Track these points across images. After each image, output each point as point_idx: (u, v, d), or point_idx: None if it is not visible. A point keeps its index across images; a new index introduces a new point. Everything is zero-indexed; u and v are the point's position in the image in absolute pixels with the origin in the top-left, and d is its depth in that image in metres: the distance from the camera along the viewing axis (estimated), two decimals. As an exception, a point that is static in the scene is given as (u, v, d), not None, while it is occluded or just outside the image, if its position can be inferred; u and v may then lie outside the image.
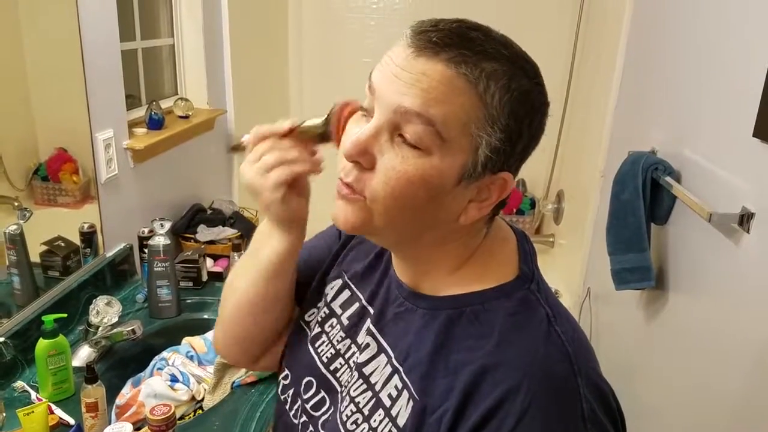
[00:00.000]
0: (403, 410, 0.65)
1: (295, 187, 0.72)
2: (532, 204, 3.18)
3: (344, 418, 0.70)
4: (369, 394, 0.69)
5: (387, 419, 0.66)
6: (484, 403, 0.59)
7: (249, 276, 0.79)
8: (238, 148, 0.81)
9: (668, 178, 1.56)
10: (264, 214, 0.76)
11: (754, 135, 1.22)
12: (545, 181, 3.09)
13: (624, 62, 2.13)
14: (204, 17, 2.21)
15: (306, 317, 0.84)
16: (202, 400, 1.35)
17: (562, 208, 3.00)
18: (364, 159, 0.60)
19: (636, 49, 2.06)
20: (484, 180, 0.61)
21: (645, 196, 1.63)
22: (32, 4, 1.41)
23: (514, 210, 3.13)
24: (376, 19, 3.12)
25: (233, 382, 1.31)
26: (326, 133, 0.70)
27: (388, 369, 0.69)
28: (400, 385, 0.67)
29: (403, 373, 0.67)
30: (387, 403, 0.67)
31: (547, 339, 0.62)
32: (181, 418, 1.30)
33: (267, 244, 0.77)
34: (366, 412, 0.69)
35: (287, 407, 0.80)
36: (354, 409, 0.70)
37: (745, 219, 1.24)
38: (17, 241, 1.39)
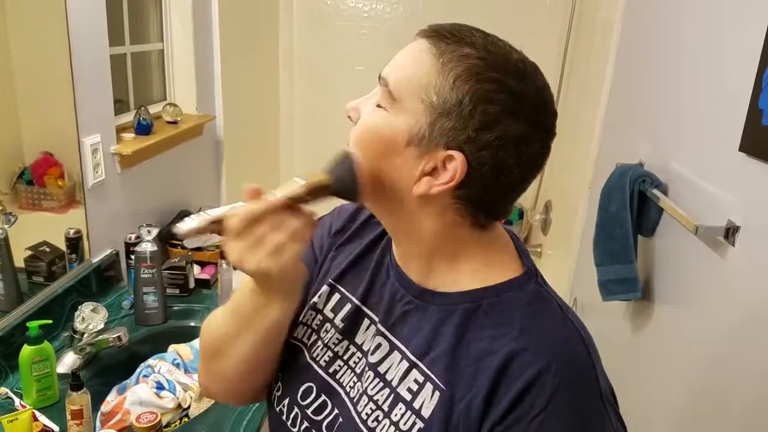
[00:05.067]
0: (428, 401, 0.67)
1: None
2: (521, 214, 3.20)
3: (364, 417, 0.71)
4: (387, 391, 0.71)
5: (410, 412, 0.68)
6: (515, 385, 0.62)
7: (246, 342, 0.75)
8: (185, 236, 0.67)
9: (655, 191, 1.58)
10: (275, 293, 0.71)
11: (740, 149, 1.24)
12: (533, 192, 3.11)
13: (613, 75, 2.15)
14: (194, 23, 2.20)
15: (294, 335, 0.83)
16: (189, 408, 1.34)
17: (550, 219, 3.01)
18: (353, 113, 0.70)
19: (625, 62, 2.09)
20: (437, 154, 0.63)
21: (632, 208, 1.64)
22: (20, 7, 1.40)
23: (503, 220, 3.15)
24: (367, 27, 3.13)
25: (220, 391, 1.30)
26: (344, 190, 0.65)
27: (404, 364, 0.71)
28: (421, 379, 0.69)
29: (423, 367, 0.69)
30: (407, 397, 0.69)
31: (564, 325, 0.67)
32: (167, 425, 1.29)
33: (266, 314, 0.73)
34: (386, 409, 0.70)
35: (284, 417, 0.80)
36: (373, 407, 0.71)
37: (730, 232, 1.26)
38: (1, 246, 1.37)
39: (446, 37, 0.64)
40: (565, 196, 2.77)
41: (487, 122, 0.61)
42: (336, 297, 0.80)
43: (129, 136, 1.84)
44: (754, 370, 1.17)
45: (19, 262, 1.44)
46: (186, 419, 1.32)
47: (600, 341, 0.71)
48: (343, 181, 0.65)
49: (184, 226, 0.66)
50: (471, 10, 2.94)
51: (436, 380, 0.67)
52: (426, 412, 0.67)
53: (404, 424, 0.68)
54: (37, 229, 1.53)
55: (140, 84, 2.11)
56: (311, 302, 0.83)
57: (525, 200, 3.21)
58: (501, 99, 0.61)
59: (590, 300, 2.11)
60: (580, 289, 2.29)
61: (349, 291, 0.80)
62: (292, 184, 0.65)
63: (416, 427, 0.67)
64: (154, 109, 2.09)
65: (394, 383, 0.71)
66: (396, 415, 0.69)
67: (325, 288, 0.82)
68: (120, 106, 1.93)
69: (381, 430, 0.70)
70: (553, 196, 3.01)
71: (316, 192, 0.65)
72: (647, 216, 1.65)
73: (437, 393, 0.67)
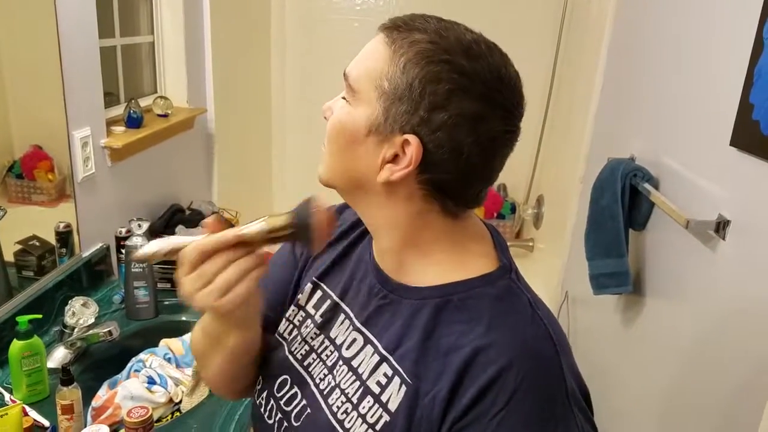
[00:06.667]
0: (395, 395, 0.68)
1: None
2: (513, 209, 3.20)
3: (335, 409, 0.72)
4: (357, 383, 0.72)
5: (377, 405, 0.69)
6: (477, 381, 0.62)
7: (216, 360, 0.81)
8: (143, 260, 0.74)
9: (647, 185, 1.58)
10: (229, 325, 0.74)
11: (731, 144, 1.24)
12: (526, 186, 3.11)
13: (605, 69, 2.15)
14: (185, 15, 2.18)
15: (278, 330, 0.85)
16: (180, 402, 1.34)
17: (542, 213, 3.02)
18: (328, 114, 0.72)
19: (617, 56, 2.09)
20: (395, 140, 0.64)
21: (624, 202, 1.65)
22: (9, -1, 1.38)
23: (495, 214, 3.15)
24: (359, 20, 3.12)
25: (211, 385, 1.30)
26: (300, 237, 0.66)
27: (375, 358, 0.71)
28: (390, 372, 0.69)
29: (393, 361, 0.69)
30: (376, 390, 0.69)
31: (532, 322, 0.66)
32: (159, 420, 1.28)
33: (226, 339, 0.77)
34: (354, 401, 0.71)
35: (262, 410, 0.81)
36: (344, 400, 0.72)
37: (721, 226, 1.26)
38: (-9, 240, 1.36)
39: (399, 26, 0.65)
40: (557, 190, 2.77)
41: (437, 102, 0.62)
42: (318, 294, 0.82)
43: (119, 129, 1.83)
44: (744, 362, 1.18)
45: (8, 256, 1.43)
46: (177, 414, 1.32)
47: (591, 335, 0.71)
48: (301, 227, 0.65)
49: (144, 250, 0.68)
50: (463, 5, 2.93)
51: (404, 374, 0.68)
52: (392, 406, 0.67)
53: (371, 417, 0.68)
54: (26, 223, 1.52)
55: (131, 77, 2.10)
56: (295, 299, 0.84)
57: (517, 195, 3.22)
58: (451, 78, 0.61)
59: (582, 294, 2.12)
60: (572, 283, 2.30)
61: (330, 288, 0.81)
62: (258, 222, 0.66)
63: (382, 420, 0.68)
64: (144, 102, 2.08)
65: (365, 376, 0.71)
66: (364, 407, 0.69)
67: (308, 286, 0.83)
68: (110, 99, 1.91)
69: (349, 422, 0.70)
70: (546, 190, 3.01)
71: (274, 231, 0.66)
72: (639, 210, 1.66)
73: (404, 387, 0.67)
